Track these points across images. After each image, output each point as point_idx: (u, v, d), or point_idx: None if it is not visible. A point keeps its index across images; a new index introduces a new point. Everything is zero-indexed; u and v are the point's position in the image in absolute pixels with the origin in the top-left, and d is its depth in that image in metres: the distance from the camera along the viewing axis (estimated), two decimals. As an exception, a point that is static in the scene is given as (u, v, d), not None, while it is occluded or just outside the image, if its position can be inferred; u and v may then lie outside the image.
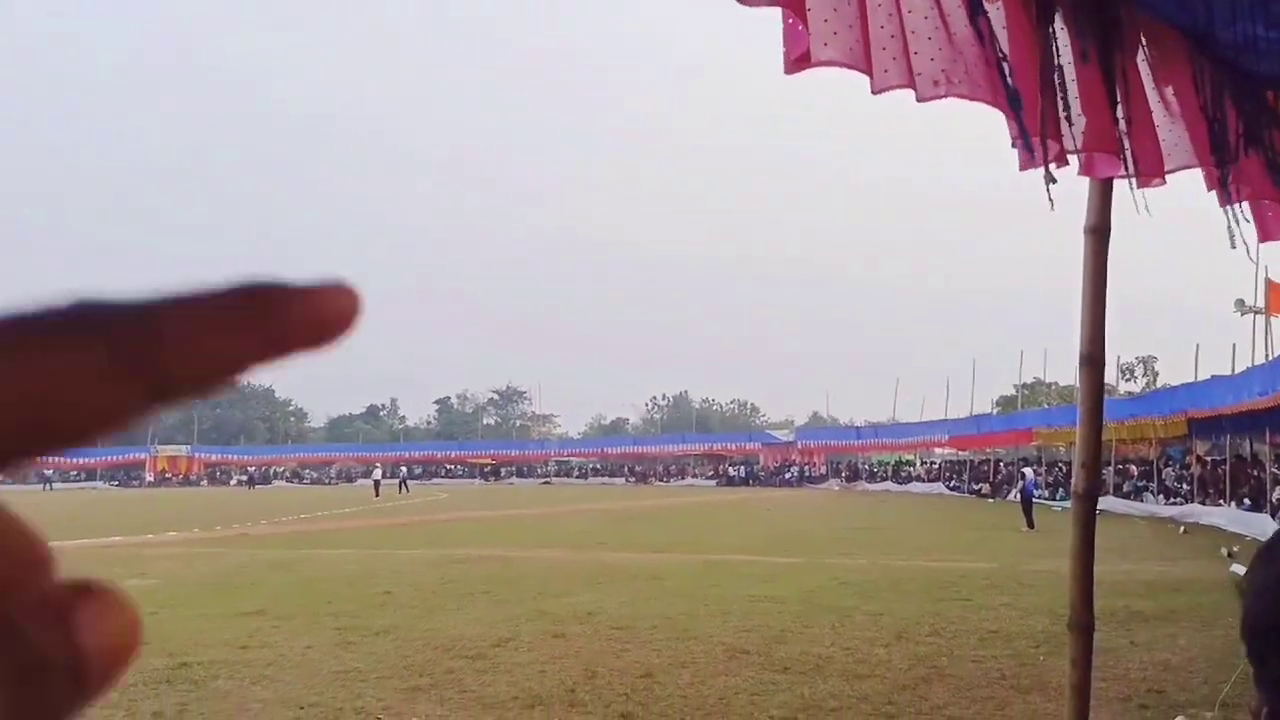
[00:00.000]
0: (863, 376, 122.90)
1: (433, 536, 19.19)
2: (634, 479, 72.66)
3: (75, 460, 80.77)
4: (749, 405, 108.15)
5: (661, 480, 71.15)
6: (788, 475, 64.50)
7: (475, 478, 77.23)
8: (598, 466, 78.48)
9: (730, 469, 69.08)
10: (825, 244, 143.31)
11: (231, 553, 15.64)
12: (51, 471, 72.20)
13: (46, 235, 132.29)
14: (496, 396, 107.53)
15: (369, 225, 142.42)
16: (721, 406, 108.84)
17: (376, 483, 45.15)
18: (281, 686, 5.67)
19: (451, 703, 5.32)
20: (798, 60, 2.18)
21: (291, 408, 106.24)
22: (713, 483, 66.91)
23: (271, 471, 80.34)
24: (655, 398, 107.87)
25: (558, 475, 77.52)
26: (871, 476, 58.45)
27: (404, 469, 48.14)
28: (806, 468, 65.60)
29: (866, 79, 2.20)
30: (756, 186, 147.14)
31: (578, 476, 76.66)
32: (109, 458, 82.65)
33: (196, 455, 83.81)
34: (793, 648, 6.83)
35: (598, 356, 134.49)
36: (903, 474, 55.65)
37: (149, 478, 79.19)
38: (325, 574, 12.13)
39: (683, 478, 71.38)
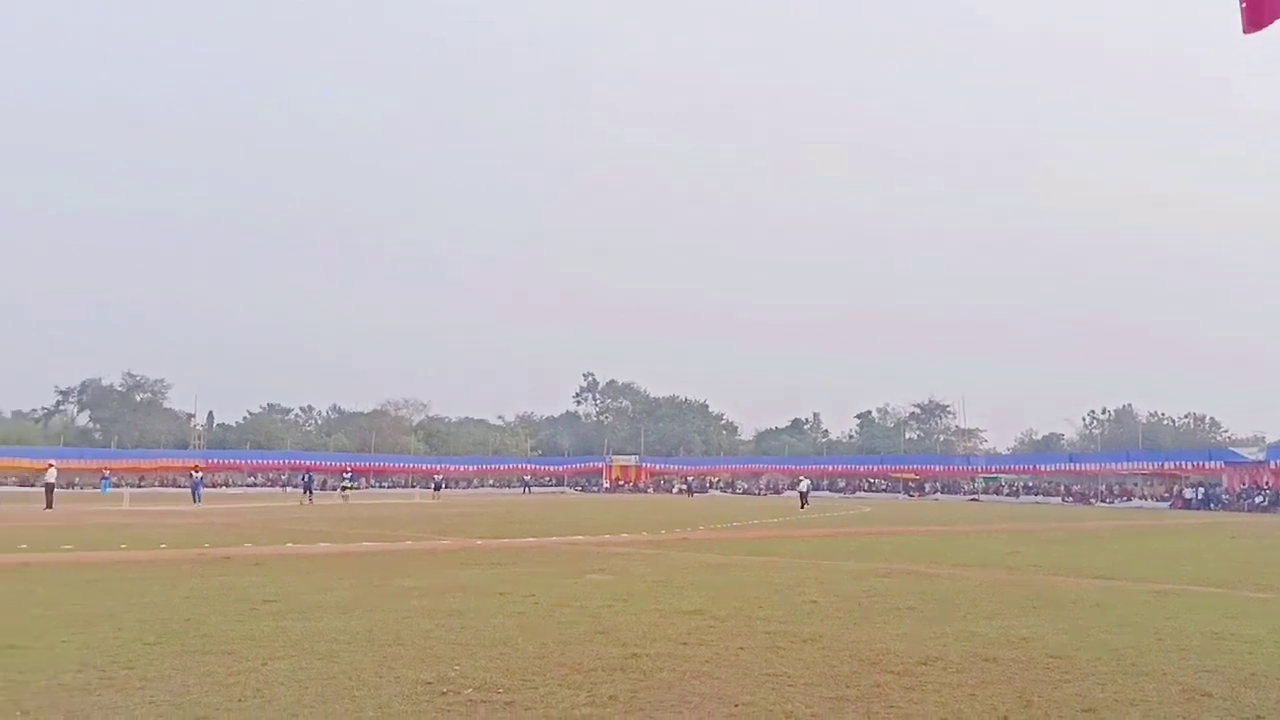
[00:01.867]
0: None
1: (856, 549, 19.26)
2: (1070, 499, 66.80)
3: (549, 468, 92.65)
4: (1207, 420, 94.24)
5: (1103, 501, 64.64)
6: (1258, 499, 55.32)
7: (898, 492, 75.87)
8: (1029, 484, 73.25)
9: (1186, 491, 60.83)
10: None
11: (674, 554, 16.99)
12: (530, 478, 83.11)
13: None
14: (919, 410, 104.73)
15: (792, 242, 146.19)
16: (1174, 421, 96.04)
17: (801, 494, 46.43)
18: (717, 684, 6.11)
19: (878, 716, 5.38)
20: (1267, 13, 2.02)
21: (724, 422, 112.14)
22: (1164, 505, 59.48)
23: (707, 481, 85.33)
24: (1094, 411, 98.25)
25: (985, 492, 73.55)
26: (1375, 502, 48.45)
27: (807, 482, 48.86)
28: (1282, 492, 55.82)
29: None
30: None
31: (1007, 494, 72.16)
32: (575, 466, 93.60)
33: (644, 465, 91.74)
34: (1267, 693, 5.97)
35: (1028, 367, 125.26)
36: None
37: (605, 484, 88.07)
38: (756, 580, 12.76)
39: (1128, 499, 64.22)
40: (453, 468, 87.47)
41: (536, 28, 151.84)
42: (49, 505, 33.64)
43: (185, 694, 5.57)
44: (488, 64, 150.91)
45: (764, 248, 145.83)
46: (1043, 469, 76.04)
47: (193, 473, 48.45)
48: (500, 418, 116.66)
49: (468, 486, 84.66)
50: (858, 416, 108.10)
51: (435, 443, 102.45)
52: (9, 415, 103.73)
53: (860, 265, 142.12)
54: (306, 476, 50.38)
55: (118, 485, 57.91)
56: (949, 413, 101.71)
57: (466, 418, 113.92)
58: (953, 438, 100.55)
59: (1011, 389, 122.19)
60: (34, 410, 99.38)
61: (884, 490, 77.51)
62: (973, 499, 70.69)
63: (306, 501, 43.67)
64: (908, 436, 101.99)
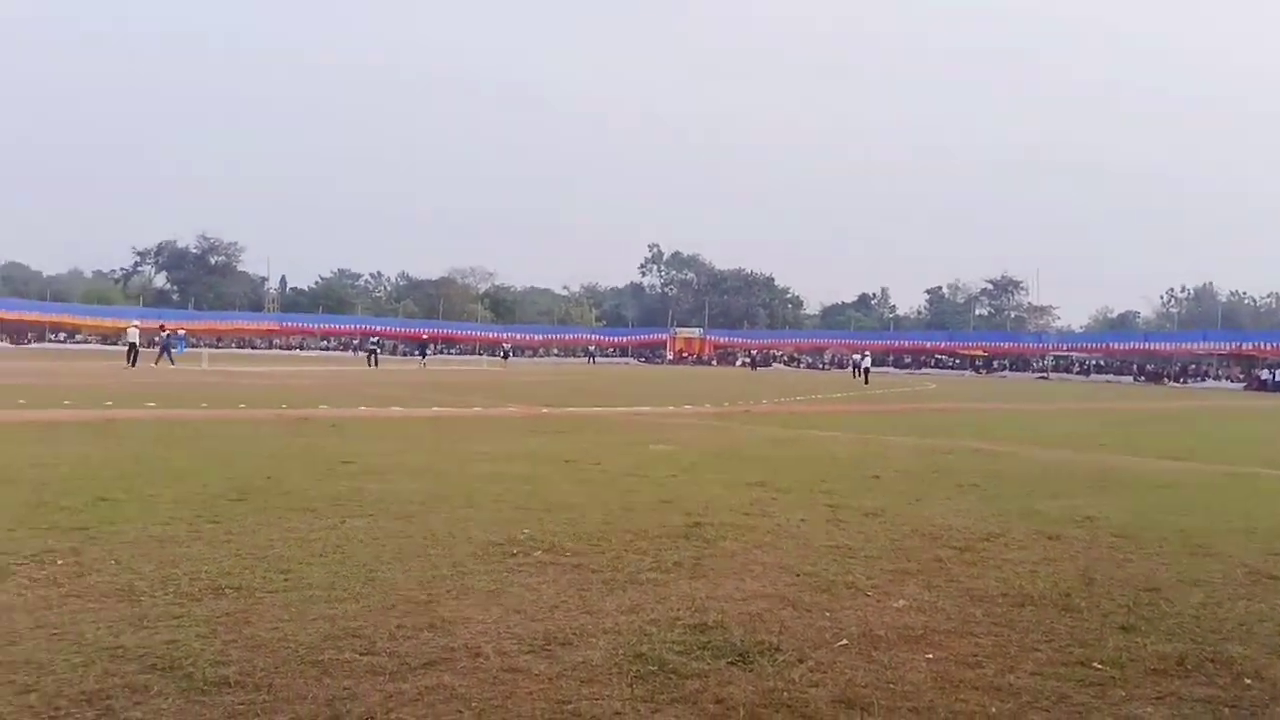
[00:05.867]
0: None
1: (921, 426, 19.23)
2: (1144, 378, 65.52)
3: (613, 339, 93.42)
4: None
5: (1177, 381, 63.29)
6: (1336, 383, 53.74)
7: (966, 369, 75.12)
8: (1101, 363, 71.93)
9: (1262, 372, 59.20)
10: None
11: (737, 427, 17.18)
12: (595, 349, 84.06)
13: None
14: (991, 286, 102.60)
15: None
16: (1255, 300, 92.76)
17: (860, 368, 46.37)
18: (780, 554, 6.22)
19: (939, 590, 5.43)
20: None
21: (789, 295, 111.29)
22: (1239, 386, 58.04)
23: (771, 355, 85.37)
24: (1173, 289, 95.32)
25: (1055, 370, 72.47)
26: None
27: (869, 356, 48.76)
28: (1368, 373, 54.04)
29: None
30: None
31: (1078, 373, 71.03)
32: (639, 337, 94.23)
33: (708, 337, 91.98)
34: (1335, 579, 5.90)
35: (1105, 244, 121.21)
36: None
37: (669, 356, 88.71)
38: (818, 453, 12.85)
39: (1202, 379, 62.85)
40: (519, 336, 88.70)
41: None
42: (131, 363, 35.09)
43: (270, 548, 5.86)
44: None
45: (838, 119, 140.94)
46: (1115, 347, 74.53)
47: (160, 331, 42.89)
48: (565, 288, 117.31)
49: (533, 355, 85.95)
50: (927, 292, 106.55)
51: (501, 311, 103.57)
52: (89, 275, 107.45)
53: (934, 140, 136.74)
54: (373, 342, 51.65)
55: (194, 345, 59.53)
56: (1022, 289, 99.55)
57: (532, 287, 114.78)
58: (1025, 314, 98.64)
59: (1089, 265, 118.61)
60: (113, 271, 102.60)
61: (951, 367, 76.86)
62: (1041, 377, 69.75)
63: (372, 367, 44.69)
64: (978, 313, 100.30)
